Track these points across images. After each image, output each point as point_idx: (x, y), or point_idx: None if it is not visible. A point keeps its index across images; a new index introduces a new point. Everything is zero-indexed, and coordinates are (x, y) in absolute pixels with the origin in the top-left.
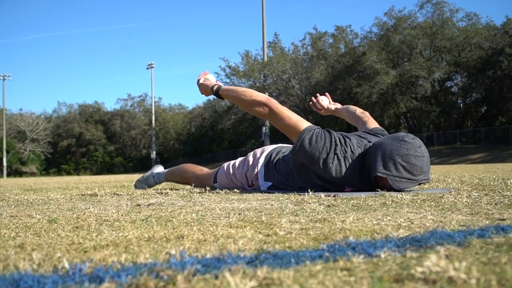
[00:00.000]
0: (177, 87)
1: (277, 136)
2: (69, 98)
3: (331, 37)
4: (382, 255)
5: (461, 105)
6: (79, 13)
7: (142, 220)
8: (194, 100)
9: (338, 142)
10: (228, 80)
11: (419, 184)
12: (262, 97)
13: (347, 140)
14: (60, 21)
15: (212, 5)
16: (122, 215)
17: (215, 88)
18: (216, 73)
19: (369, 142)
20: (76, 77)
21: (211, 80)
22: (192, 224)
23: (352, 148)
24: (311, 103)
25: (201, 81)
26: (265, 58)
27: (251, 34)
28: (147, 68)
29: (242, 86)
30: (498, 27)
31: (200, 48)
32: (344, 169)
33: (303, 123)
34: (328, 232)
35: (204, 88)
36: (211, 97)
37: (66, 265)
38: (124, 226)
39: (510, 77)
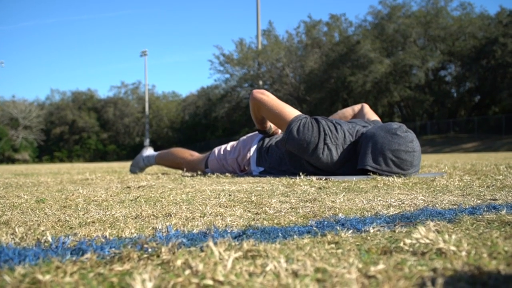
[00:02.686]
0: (171, 74)
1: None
2: (62, 85)
3: (325, 25)
4: (371, 230)
5: (455, 94)
6: (73, 0)
7: (131, 200)
8: (188, 88)
9: (327, 131)
10: (222, 68)
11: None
12: (253, 93)
13: (338, 127)
14: (53, 8)
15: None
16: (111, 196)
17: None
18: (210, 61)
19: (363, 127)
20: (69, 64)
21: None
22: (181, 204)
23: (344, 136)
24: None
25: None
26: (259, 46)
27: (246, 22)
28: (141, 56)
29: (236, 74)
30: (492, 16)
31: (194, 36)
32: (335, 157)
33: (291, 113)
34: (318, 210)
35: None
36: (205, 84)
37: (49, 238)
38: (112, 206)
39: (503, 67)
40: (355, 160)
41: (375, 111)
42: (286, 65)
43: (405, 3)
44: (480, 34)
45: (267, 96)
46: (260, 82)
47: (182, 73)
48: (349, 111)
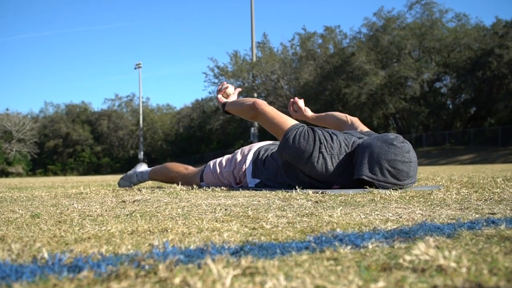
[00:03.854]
0: (165, 87)
1: (265, 137)
2: (56, 98)
3: (320, 37)
4: (370, 246)
5: (450, 106)
6: (67, 13)
7: (127, 215)
8: (182, 100)
9: (323, 140)
10: (216, 80)
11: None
12: (250, 101)
13: (334, 137)
14: (47, 21)
15: (200, 4)
16: (106, 211)
17: (225, 107)
18: (204, 73)
19: (359, 138)
20: (63, 77)
21: (230, 92)
22: (177, 218)
23: (340, 146)
24: (290, 102)
25: (218, 96)
26: (254, 58)
27: (240, 34)
28: (135, 68)
29: None
30: (487, 27)
31: (189, 48)
32: (331, 167)
33: (289, 122)
34: (315, 225)
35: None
36: (199, 96)
37: (46, 255)
38: (108, 221)
39: (499, 78)
40: (351, 171)
41: (370, 123)
42: (280, 77)
43: (400, 15)
44: (475, 46)
45: (268, 107)
46: (255, 95)
47: (177, 85)
48: (342, 116)
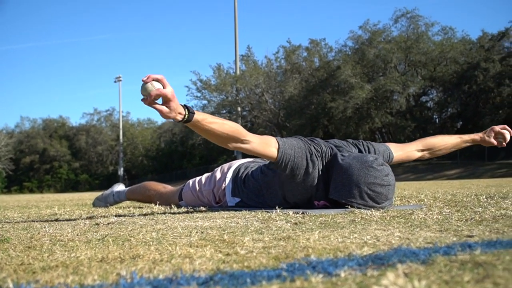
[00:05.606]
0: None
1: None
2: (33, 113)
3: (305, 50)
4: (342, 274)
5: (437, 120)
6: (44, 25)
7: (98, 239)
8: None
9: (310, 142)
10: (199, 94)
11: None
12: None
13: (315, 140)
14: (23, 33)
15: (183, 17)
16: (77, 235)
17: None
18: (186, 86)
19: (336, 147)
20: (40, 91)
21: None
22: (151, 243)
23: (326, 150)
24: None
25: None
26: (238, 72)
27: (223, 47)
28: (115, 81)
29: (214, 100)
30: (473, 41)
31: (171, 61)
32: (316, 173)
33: (270, 140)
34: (290, 250)
35: None
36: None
37: (11, 285)
38: (78, 246)
39: (485, 92)
40: (328, 184)
41: (357, 137)
42: (265, 91)
43: (386, 28)
44: (461, 59)
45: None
46: (239, 109)
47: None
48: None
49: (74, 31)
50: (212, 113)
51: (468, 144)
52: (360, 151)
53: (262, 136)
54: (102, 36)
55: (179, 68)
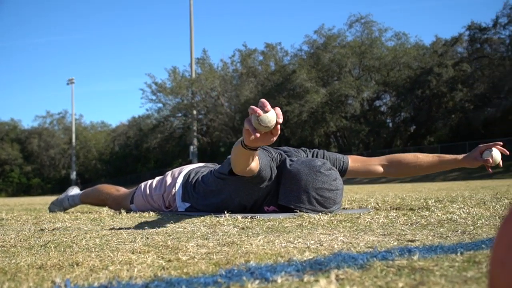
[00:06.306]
0: (100, 104)
1: (205, 155)
2: None
3: (260, 54)
4: (279, 280)
5: (390, 124)
6: None
7: (41, 246)
8: (118, 117)
9: (267, 153)
10: (154, 97)
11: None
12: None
13: (265, 148)
14: None
15: (138, 18)
16: (20, 241)
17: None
18: (141, 89)
19: (285, 152)
20: None
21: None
22: (93, 250)
23: (275, 158)
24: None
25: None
26: (193, 75)
27: (179, 50)
28: (68, 84)
29: (169, 103)
30: (427, 46)
31: (125, 63)
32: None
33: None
34: (232, 256)
35: None
36: (136, 114)
37: None
38: (20, 252)
39: (438, 97)
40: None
41: (312, 141)
42: (221, 94)
43: (340, 33)
44: (415, 64)
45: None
46: (194, 112)
47: (112, 102)
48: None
49: (26, 32)
50: (167, 116)
51: (450, 165)
52: (308, 156)
53: None
54: (55, 37)
55: (133, 70)
